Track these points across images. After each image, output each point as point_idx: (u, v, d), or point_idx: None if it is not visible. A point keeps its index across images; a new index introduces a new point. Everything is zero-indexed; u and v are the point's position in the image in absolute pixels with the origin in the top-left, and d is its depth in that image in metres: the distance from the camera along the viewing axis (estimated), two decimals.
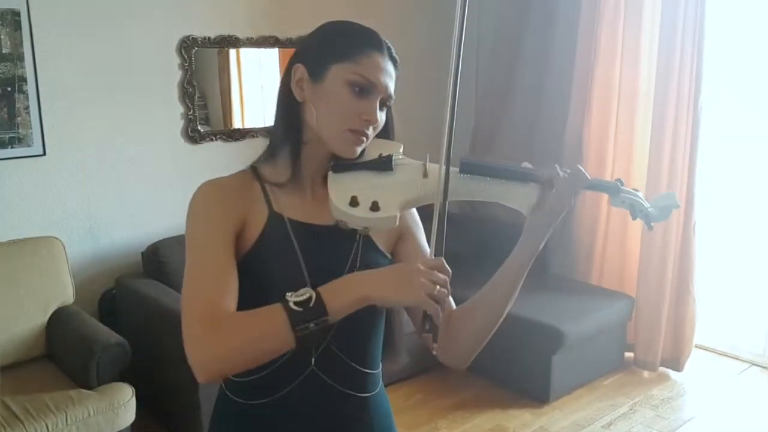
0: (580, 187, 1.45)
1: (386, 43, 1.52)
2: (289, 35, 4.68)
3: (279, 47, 4.75)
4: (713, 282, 5.08)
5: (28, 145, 3.98)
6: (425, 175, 1.50)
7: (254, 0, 4.61)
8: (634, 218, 1.53)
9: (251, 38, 4.67)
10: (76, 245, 4.23)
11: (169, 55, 4.45)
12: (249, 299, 1.43)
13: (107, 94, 4.24)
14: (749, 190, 5.01)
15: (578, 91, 5.03)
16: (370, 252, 1.58)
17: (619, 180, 1.53)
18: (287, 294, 1.29)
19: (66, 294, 3.95)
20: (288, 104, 1.54)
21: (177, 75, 4.51)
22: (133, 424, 3.58)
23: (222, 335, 1.30)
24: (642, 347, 4.87)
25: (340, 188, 1.47)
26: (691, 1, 4.42)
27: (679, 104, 4.56)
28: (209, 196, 1.49)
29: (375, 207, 1.42)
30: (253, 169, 1.59)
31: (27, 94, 3.93)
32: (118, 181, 4.33)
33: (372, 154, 1.54)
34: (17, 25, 3.86)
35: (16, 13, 3.84)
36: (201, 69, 4.59)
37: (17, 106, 3.91)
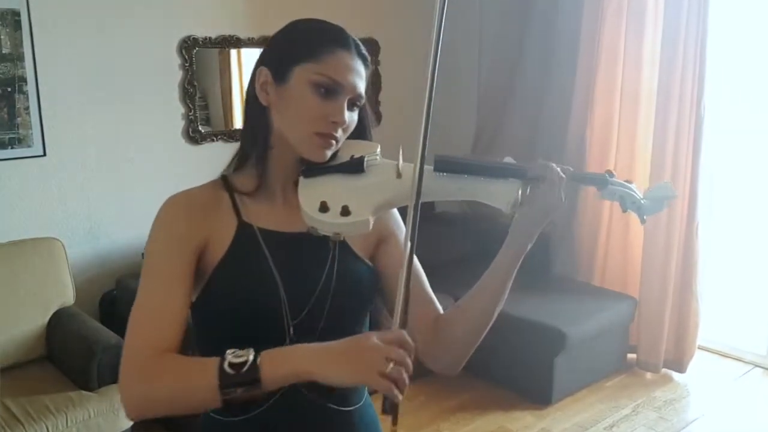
0: (567, 180, 1.40)
1: (354, 41, 1.46)
2: None
3: None
4: (716, 283, 5.04)
5: (29, 146, 3.97)
6: (399, 175, 1.43)
7: (255, 0, 4.62)
8: (624, 210, 1.47)
9: (252, 38, 4.66)
10: (77, 246, 4.21)
11: (170, 55, 4.44)
12: (222, 314, 1.43)
13: (108, 95, 4.23)
14: (753, 191, 5.00)
15: (581, 91, 5.01)
16: (348, 259, 1.52)
17: (608, 171, 1.48)
18: (228, 351, 1.23)
19: (66, 295, 3.93)
20: (254, 109, 1.49)
21: (178, 75, 4.49)
22: (133, 426, 3.57)
23: (153, 380, 1.28)
24: (645, 349, 4.84)
25: (310, 193, 1.41)
26: None
27: (682, 103, 4.53)
28: (171, 215, 1.45)
29: (345, 212, 1.36)
30: (223, 179, 1.54)
31: (27, 95, 3.92)
32: (118, 182, 4.31)
33: (345, 157, 1.48)
34: (17, 25, 3.84)
35: (16, 13, 3.83)
36: (202, 69, 4.58)
37: (17, 106, 3.90)
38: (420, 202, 1.31)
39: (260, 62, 1.48)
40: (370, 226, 1.37)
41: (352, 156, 1.47)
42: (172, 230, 1.43)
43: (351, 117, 1.45)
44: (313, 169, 1.45)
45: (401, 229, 1.61)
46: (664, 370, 4.84)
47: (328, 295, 1.47)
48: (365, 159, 1.46)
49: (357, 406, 1.57)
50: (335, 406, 1.52)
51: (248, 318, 1.43)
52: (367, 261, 1.56)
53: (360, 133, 1.53)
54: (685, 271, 4.70)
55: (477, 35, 5.68)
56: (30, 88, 3.92)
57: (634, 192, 1.46)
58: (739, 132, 4.90)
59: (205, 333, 1.48)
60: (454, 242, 5.29)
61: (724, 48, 4.59)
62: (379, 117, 5.39)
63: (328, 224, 1.37)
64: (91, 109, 4.19)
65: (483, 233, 5.13)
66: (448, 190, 1.43)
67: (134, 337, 1.34)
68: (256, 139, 1.49)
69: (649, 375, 4.85)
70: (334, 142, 1.43)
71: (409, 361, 1.20)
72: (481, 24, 5.64)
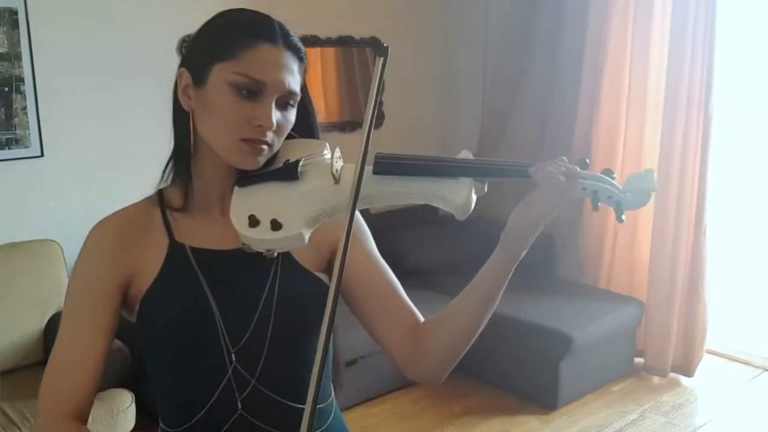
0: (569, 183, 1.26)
1: (282, 31, 1.32)
2: (300, 34, 4.56)
3: None
4: (725, 285, 5.00)
5: (26, 147, 3.94)
6: (336, 180, 1.30)
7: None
8: (595, 208, 1.27)
9: None
10: (75, 248, 4.06)
11: (170, 54, 4.37)
12: (156, 343, 1.37)
13: (107, 95, 4.19)
14: (762, 192, 4.97)
15: (587, 91, 4.98)
16: (292, 274, 1.40)
17: (581, 162, 1.29)
18: None
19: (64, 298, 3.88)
20: (178, 116, 1.38)
21: None
22: (132, 431, 3.54)
23: None
24: (652, 352, 4.80)
25: (241, 206, 1.30)
26: None
27: (689, 103, 4.50)
28: (93, 248, 1.39)
29: (276, 225, 1.25)
30: (159, 194, 1.45)
31: (24, 95, 3.89)
32: (117, 183, 4.23)
33: (282, 160, 1.35)
34: (15, 24, 3.81)
35: (13, 12, 3.80)
36: None
37: (14, 106, 3.87)
38: (355, 210, 1.19)
39: (181, 63, 1.37)
40: (305, 240, 1.26)
41: (287, 160, 1.35)
42: (93, 265, 1.38)
43: (284, 117, 1.34)
44: (247, 177, 1.34)
45: (359, 226, 1.50)
46: (671, 374, 4.79)
47: (270, 318, 1.36)
48: (300, 163, 1.33)
49: (319, 430, 1.46)
50: None
51: (185, 347, 1.35)
52: (316, 274, 1.43)
53: (307, 132, 1.44)
54: (693, 273, 4.66)
55: (482, 35, 5.66)
56: (27, 87, 3.89)
57: (610, 184, 1.27)
58: (747, 132, 4.87)
59: (146, 356, 1.42)
60: (460, 244, 5.24)
61: (733, 47, 4.56)
62: (381, 118, 5.34)
63: (258, 240, 1.26)
64: (89, 109, 4.15)
65: (489, 235, 5.07)
66: (391, 195, 1.31)
67: (46, 392, 1.35)
68: (179, 150, 1.39)
69: (656, 379, 4.80)
70: (265, 147, 1.31)
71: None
72: (485, 24, 5.62)
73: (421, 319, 1.47)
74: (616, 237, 5.00)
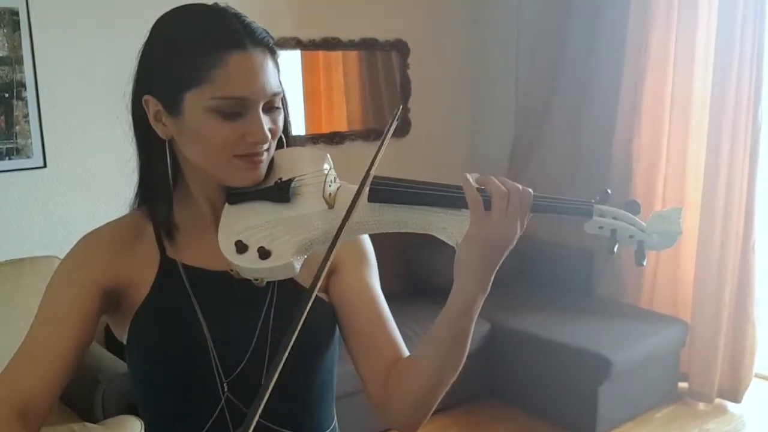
0: (525, 210, 1.17)
1: (244, 28, 1.23)
2: (313, 37, 4.58)
3: (301, 49, 4.62)
4: None
5: (28, 157, 3.89)
6: (330, 206, 1.22)
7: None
8: (610, 252, 1.17)
9: None
10: None
11: None
12: (146, 369, 1.33)
13: (112, 101, 3.93)
14: None
15: (627, 98, 4.88)
16: (290, 296, 1.32)
17: (603, 193, 1.20)
18: None
19: None
20: (147, 143, 1.31)
21: None
22: None
23: None
24: (697, 377, 4.68)
25: (229, 228, 1.23)
26: None
27: (737, 110, 4.39)
28: (76, 256, 1.35)
29: (264, 254, 1.18)
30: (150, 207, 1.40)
31: (26, 101, 3.84)
32: (124, 196, 4.01)
33: (278, 174, 1.29)
34: (16, 26, 3.77)
35: (14, 12, 3.75)
36: None
37: (15, 113, 3.82)
38: (335, 245, 1.15)
39: (141, 88, 1.28)
40: (296, 270, 1.19)
41: (280, 178, 1.27)
42: (71, 272, 1.33)
43: (274, 121, 1.27)
44: (237, 193, 1.27)
45: (360, 255, 1.43)
46: (717, 399, 4.66)
47: (266, 346, 1.31)
48: (293, 184, 1.26)
49: None
50: None
51: (175, 375, 1.31)
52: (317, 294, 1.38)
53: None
54: (740, 292, 4.54)
55: (514, 38, 5.57)
56: (29, 93, 3.84)
57: (632, 222, 1.17)
58: None
59: (135, 379, 1.38)
60: None
61: None
62: (407, 126, 5.29)
63: (246, 269, 1.20)
64: (95, 116, 4.06)
65: (519, 251, 4.91)
66: (388, 224, 1.23)
67: (1, 378, 1.28)
68: (158, 178, 1.31)
69: (701, 405, 4.68)
70: (261, 157, 1.26)
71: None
72: (518, 26, 5.54)
73: (406, 352, 1.40)
74: (659, 253, 4.87)
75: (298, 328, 1.08)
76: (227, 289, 1.31)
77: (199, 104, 1.20)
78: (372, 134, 5.11)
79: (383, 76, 5.23)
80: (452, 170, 5.38)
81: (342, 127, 5.04)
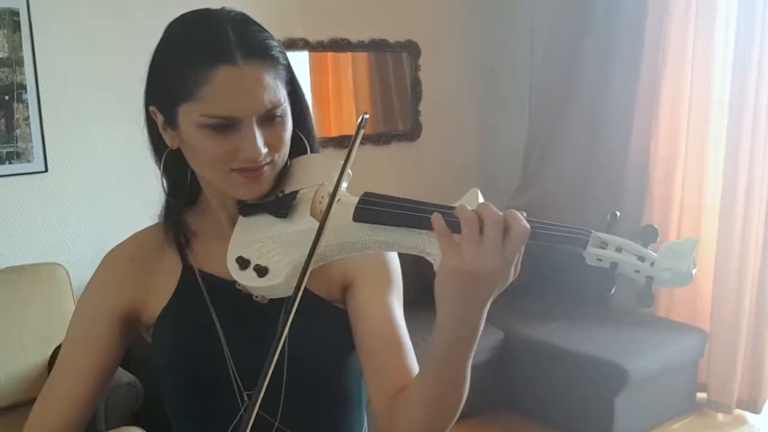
0: (514, 243, 1.02)
1: (238, 38, 1.18)
2: (321, 38, 4.57)
3: (310, 51, 4.59)
4: None
5: (28, 161, 3.88)
6: (320, 222, 1.17)
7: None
8: (607, 291, 1.03)
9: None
10: (82, 272, 3.99)
11: None
12: (166, 379, 1.37)
13: (116, 103, 4.08)
14: None
15: (644, 98, 4.84)
16: (307, 305, 1.22)
17: (612, 215, 1.04)
18: None
19: None
20: (164, 151, 1.32)
21: None
22: None
23: None
24: (716, 387, 4.63)
25: (235, 241, 1.22)
26: None
27: (757, 112, 4.36)
28: (102, 280, 1.39)
29: (261, 271, 1.16)
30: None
31: (27, 104, 3.83)
32: (127, 201, 4.17)
33: (289, 185, 1.26)
34: (16, 26, 3.76)
35: (14, 13, 3.75)
36: None
37: (16, 116, 3.81)
38: (308, 268, 1.12)
39: (147, 98, 1.30)
40: (291, 290, 1.14)
41: (282, 191, 1.25)
42: (98, 296, 1.38)
43: (274, 133, 1.22)
44: (247, 205, 1.26)
45: (384, 268, 1.37)
46: (737, 410, 4.62)
47: (284, 357, 1.29)
48: (296, 197, 1.23)
49: None
50: None
51: (194, 385, 1.35)
52: (335, 303, 1.36)
53: (298, 137, 1.33)
54: (760, 300, 4.50)
55: (528, 39, 5.55)
56: (30, 96, 3.83)
57: (638, 255, 1.02)
58: None
59: (159, 381, 1.41)
60: None
61: None
62: (418, 129, 5.25)
63: (247, 286, 1.18)
64: (97, 119, 4.05)
65: (536, 259, 4.90)
66: (378, 244, 1.15)
67: (35, 410, 1.36)
68: (170, 186, 1.37)
69: (720, 416, 4.64)
70: (263, 170, 1.23)
71: None
72: (533, 24, 5.51)
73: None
74: None
75: (285, 331, 1.07)
76: (244, 298, 1.28)
77: (191, 119, 1.18)
78: (382, 138, 5.07)
79: (393, 78, 5.21)
80: (464, 175, 5.35)
81: (351, 131, 4.96)
